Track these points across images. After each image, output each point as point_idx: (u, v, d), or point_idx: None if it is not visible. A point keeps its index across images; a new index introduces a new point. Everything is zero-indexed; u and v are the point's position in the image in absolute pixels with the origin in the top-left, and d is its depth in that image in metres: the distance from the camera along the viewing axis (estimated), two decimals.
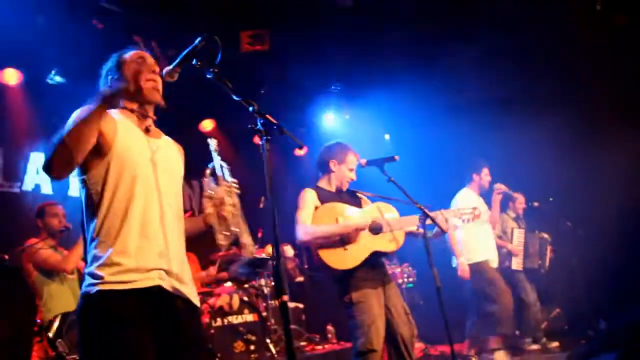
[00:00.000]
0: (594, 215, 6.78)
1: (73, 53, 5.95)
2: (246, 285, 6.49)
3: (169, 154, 2.40)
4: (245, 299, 6.13)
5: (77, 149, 2.01)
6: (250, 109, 2.16)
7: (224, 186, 2.38)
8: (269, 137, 2.13)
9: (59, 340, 4.03)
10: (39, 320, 4.28)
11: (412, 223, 3.72)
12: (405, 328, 3.67)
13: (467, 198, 5.87)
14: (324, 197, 3.78)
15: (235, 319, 5.84)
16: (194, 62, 2.18)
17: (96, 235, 2.11)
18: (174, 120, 7.83)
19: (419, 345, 7.34)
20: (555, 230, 7.15)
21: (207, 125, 8.28)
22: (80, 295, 2.12)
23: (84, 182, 2.17)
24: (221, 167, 2.41)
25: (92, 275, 2.07)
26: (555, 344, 6.69)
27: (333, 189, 3.91)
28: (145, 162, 2.23)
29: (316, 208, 3.70)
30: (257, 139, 2.13)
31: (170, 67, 2.24)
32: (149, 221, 2.15)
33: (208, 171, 2.43)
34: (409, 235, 3.88)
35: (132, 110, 2.32)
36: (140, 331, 2.04)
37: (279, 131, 2.16)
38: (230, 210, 2.34)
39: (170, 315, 2.14)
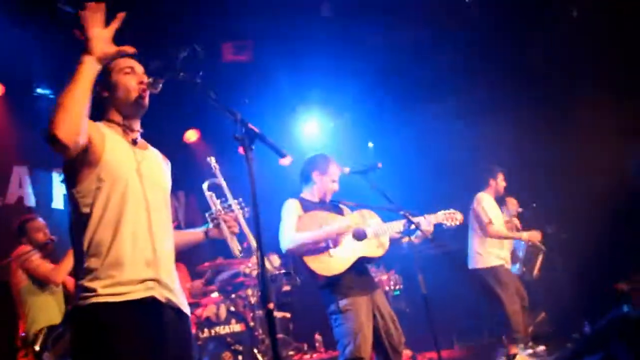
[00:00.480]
0: (576, 215, 6.84)
1: (56, 64, 5.94)
2: (233, 296, 6.47)
3: (156, 166, 2.41)
4: (232, 309, 6.11)
5: (76, 111, 2.00)
6: (234, 118, 2.17)
7: (234, 204, 2.53)
8: (252, 147, 2.14)
9: (46, 353, 4.00)
10: (22, 334, 4.24)
11: (396, 228, 3.75)
12: (392, 335, 3.68)
13: (488, 201, 6.06)
14: (307, 207, 3.80)
15: (222, 330, 5.82)
16: (177, 72, 2.18)
17: (87, 248, 2.10)
18: (158, 131, 7.82)
19: (406, 353, 7.36)
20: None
21: (192, 135, 8.27)
22: (72, 308, 2.11)
23: (72, 196, 2.16)
24: (223, 187, 2.57)
25: (84, 289, 2.07)
26: (542, 347, 6.74)
27: (316, 200, 3.93)
28: (133, 174, 2.24)
29: (299, 218, 3.72)
30: (241, 150, 2.15)
31: (154, 78, 2.24)
32: (138, 233, 2.17)
33: (205, 186, 2.58)
34: (393, 241, 3.90)
35: (118, 124, 2.32)
36: (135, 342, 2.05)
37: (262, 140, 2.17)
38: (244, 228, 2.52)
39: (163, 325, 2.15)
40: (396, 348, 3.67)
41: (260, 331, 6.22)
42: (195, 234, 2.60)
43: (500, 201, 6.46)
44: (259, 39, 6.72)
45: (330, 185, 3.91)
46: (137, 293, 2.10)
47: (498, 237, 5.97)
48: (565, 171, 7.16)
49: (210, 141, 8.38)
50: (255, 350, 5.91)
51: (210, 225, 2.55)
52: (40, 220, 4.68)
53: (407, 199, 3.93)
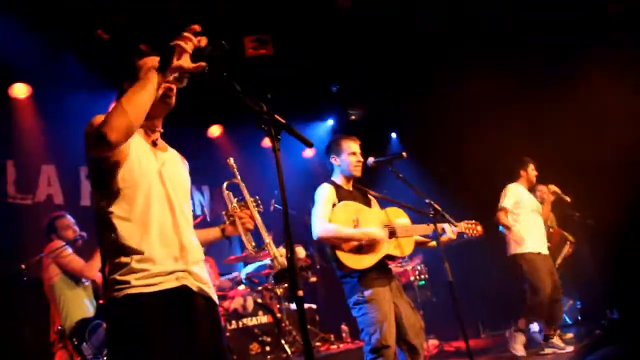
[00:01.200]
0: (602, 201, 6.77)
1: (81, 65, 6.05)
2: (260, 288, 6.55)
3: (176, 167, 2.47)
4: (259, 301, 6.19)
5: (136, 119, 2.05)
6: (259, 110, 2.20)
7: (249, 202, 2.58)
8: (278, 137, 2.17)
9: (84, 345, 4.09)
10: (59, 327, 4.34)
11: (423, 231, 3.79)
12: (413, 321, 3.71)
13: (518, 192, 6.20)
14: (340, 193, 3.82)
15: (250, 321, 5.90)
16: (203, 68, 2.19)
17: (116, 247, 2.16)
18: (182, 126, 7.92)
19: (433, 342, 7.38)
20: (565, 222, 7.16)
21: (215, 130, 8.35)
22: (106, 301, 2.17)
23: (99, 196, 2.22)
24: (241, 185, 2.65)
25: (117, 282, 2.12)
26: (570, 335, 6.70)
27: (346, 183, 3.94)
28: (155, 176, 2.29)
29: (333, 205, 3.74)
30: (264, 143, 2.18)
31: (179, 72, 2.26)
32: (165, 232, 2.23)
33: (224, 186, 2.66)
34: (419, 245, 3.96)
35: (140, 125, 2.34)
36: (169, 330, 2.11)
37: (288, 131, 2.20)
38: (258, 224, 2.55)
39: (196, 311, 2.22)
40: (417, 333, 3.70)
41: (288, 323, 6.29)
42: (214, 231, 2.65)
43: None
44: (279, 33, 6.75)
45: (351, 159, 3.91)
46: (169, 283, 2.16)
47: (500, 224, 6.12)
48: (592, 158, 7.08)
49: (233, 136, 8.46)
50: (283, 341, 5.98)
51: (227, 223, 2.60)
52: (69, 218, 4.78)
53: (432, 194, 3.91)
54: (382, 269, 3.70)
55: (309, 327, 6.57)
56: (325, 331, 6.95)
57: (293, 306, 6.58)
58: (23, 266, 4.33)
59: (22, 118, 6.29)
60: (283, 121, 2.18)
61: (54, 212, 4.98)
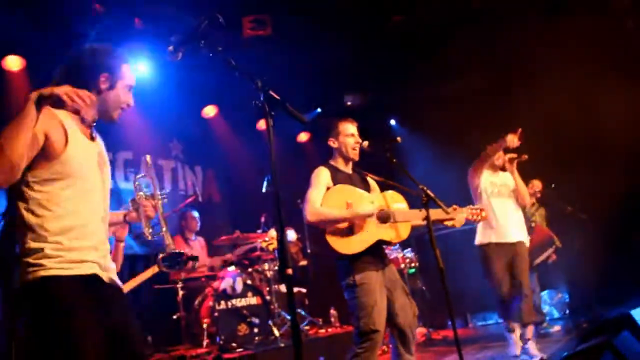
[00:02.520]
0: (596, 196, 6.78)
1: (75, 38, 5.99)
2: (249, 269, 6.55)
3: (106, 157, 2.50)
4: (249, 282, 6.19)
5: (17, 156, 2.03)
6: (255, 85, 2.17)
7: (157, 194, 2.76)
8: (272, 113, 2.15)
9: None
10: None
11: (420, 216, 3.73)
12: (406, 308, 3.71)
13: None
14: (337, 177, 3.79)
15: (239, 302, 5.91)
16: (199, 41, 2.17)
17: (35, 230, 2.16)
18: (178, 106, 7.86)
19: (420, 330, 7.42)
20: (559, 215, 7.18)
21: (210, 111, 8.30)
22: (19, 286, 2.17)
23: (26, 180, 2.17)
24: (152, 179, 2.81)
25: (30, 264, 2.13)
26: (557, 327, 6.75)
27: (345, 166, 3.92)
28: (93, 168, 2.34)
29: (328, 189, 3.72)
30: (259, 126, 2.17)
31: (175, 46, 2.24)
32: (90, 221, 2.28)
33: (137, 177, 2.83)
34: (415, 228, 3.91)
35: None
36: (88, 315, 2.14)
37: (282, 108, 2.18)
38: (158, 212, 2.71)
39: (106, 299, 2.26)
40: (410, 320, 3.70)
41: (276, 305, 6.30)
42: (117, 215, 2.83)
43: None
44: (278, 14, 6.69)
45: (348, 140, 3.88)
46: (84, 269, 2.21)
47: None
48: (586, 153, 7.09)
49: (228, 117, 8.43)
50: (271, 323, 6.00)
51: (131, 209, 2.75)
52: None
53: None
54: (375, 253, 3.68)
55: (298, 310, 6.60)
56: (314, 315, 6.97)
57: (282, 289, 6.59)
58: None
59: (15, 91, 6.23)
60: (277, 97, 2.16)
61: None
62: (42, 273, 2.12)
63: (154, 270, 4.74)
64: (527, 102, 7.56)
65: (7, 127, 2.02)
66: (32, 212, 2.17)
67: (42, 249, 2.13)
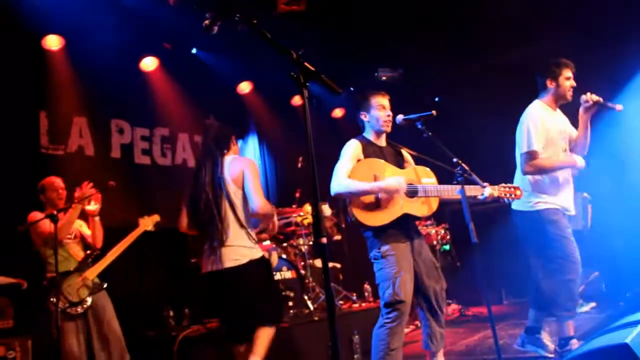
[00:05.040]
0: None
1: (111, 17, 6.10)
2: (284, 244, 6.63)
3: None
4: (284, 256, 6.27)
5: None
6: (290, 57, 2.18)
7: None
8: (307, 84, 2.16)
9: (60, 295, 4.35)
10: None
11: (449, 193, 3.71)
12: (434, 281, 3.72)
13: (542, 115, 4.31)
14: (369, 150, 3.80)
15: (274, 276, 6.00)
16: (234, 15, 2.18)
17: None
18: (214, 82, 7.93)
19: (454, 307, 7.43)
20: (594, 190, 7.02)
21: (245, 87, 8.34)
22: None
23: None
24: None
25: None
26: (592, 304, 6.68)
27: (377, 139, 3.92)
28: None
29: (357, 162, 3.74)
30: (294, 101, 2.19)
31: (210, 20, 2.26)
32: None
33: None
34: (451, 202, 3.86)
35: None
36: None
37: (317, 79, 2.19)
38: None
39: None
40: (439, 293, 3.72)
41: (311, 279, 6.38)
42: None
43: None
44: None
45: (380, 113, 3.87)
46: None
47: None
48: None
49: (262, 93, 8.46)
50: (306, 297, 6.09)
51: None
52: (59, 181, 4.88)
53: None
54: (403, 226, 3.69)
55: (332, 284, 6.67)
56: (348, 290, 7.03)
57: (317, 263, 6.66)
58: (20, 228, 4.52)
59: (55, 70, 6.36)
60: (312, 68, 2.17)
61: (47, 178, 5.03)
62: None
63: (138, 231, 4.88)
64: None
65: None
66: None
67: None
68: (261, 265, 3.92)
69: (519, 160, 4.34)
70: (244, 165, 3.91)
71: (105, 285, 4.66)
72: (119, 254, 4.75)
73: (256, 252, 3.89)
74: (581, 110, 4.27)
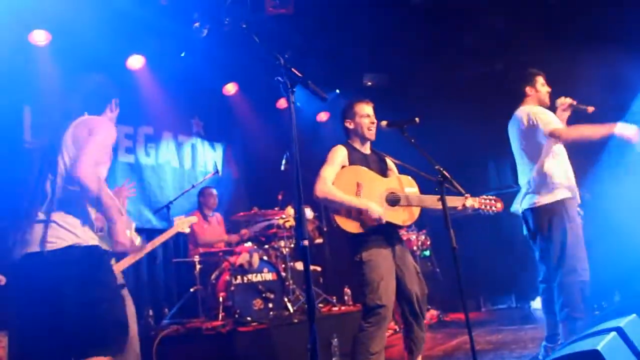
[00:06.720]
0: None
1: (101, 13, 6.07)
2: (266, 246, 6.65)
3: None
4: (265, 258, 6.30)
5: None
6: (277, 62, 2.20)
7: None
8: (293, 90, 2.18)
9: None
10: None
11: (432, 202, 3.75)
12: (416, 286, 3.76)
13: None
14: (353, 157, 3.83)
15: (255, 277, 6.01)
16: (223, 19, 2.21)
17: None
18: (199, 83, 7.91)
19: (432, 313, 7.49)
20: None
21: (230, 88, 8.35)
22: None
23: None
24: None
25: None
26: None
27: (362, 146, 3.95)
28: None
29: (341, 169, 3.76)
30: (279, 104, 2.22)
31: (200, 22, 2.28)
32: None
33: None
34: (432, 211, 3.88)
35: None
36: None
37: (303, 85, 2.21)
38: None
39: None
40: (420, 298, 3.76)
41: (292, 282, 6.40)
42: None
43: None
44: None
45: (364, 121, 3.91)
46: None
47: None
48: None
49: (248, 95, 8.47)
50: (286, 299, 6.11)
51: None
52: None
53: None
54: (384, 232, 3.72)
55: (312, 288, 6.69)
56: (328, 294, 7.06)
57: (298, 266, 6.69)
58: None
59: (41, 65, 6.32)
60: (299, 74, 2.19)
61: None
62: None
63: (173, 231, 4.63)
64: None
65: None
66: None
67: None
68: None
69: (523, 161, 4.45)
70: None
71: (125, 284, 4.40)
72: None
73: None
74: (557, 113, 4.47)
